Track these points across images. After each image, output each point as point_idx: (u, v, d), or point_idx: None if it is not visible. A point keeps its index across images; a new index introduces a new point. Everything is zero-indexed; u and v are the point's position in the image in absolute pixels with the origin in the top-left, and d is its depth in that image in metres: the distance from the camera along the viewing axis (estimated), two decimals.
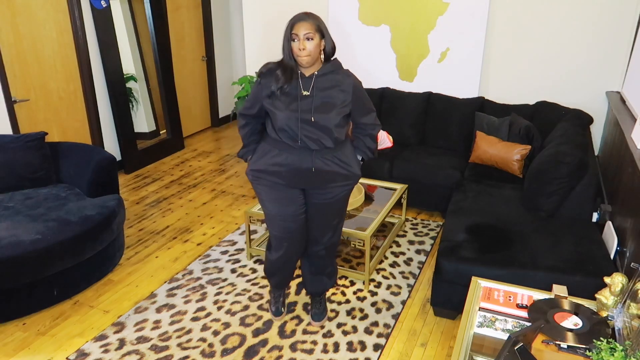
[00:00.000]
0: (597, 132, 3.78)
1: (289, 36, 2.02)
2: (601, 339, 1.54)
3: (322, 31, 2.04)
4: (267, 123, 2.21)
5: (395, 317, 2.64)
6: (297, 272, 2.89)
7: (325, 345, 2.43)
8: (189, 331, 2.52)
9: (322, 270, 2.50)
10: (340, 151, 2.17)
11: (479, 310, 1.88)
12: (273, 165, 2.16)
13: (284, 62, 2.08)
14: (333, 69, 2.12)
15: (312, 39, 2.00)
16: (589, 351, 1.57)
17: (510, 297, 1.94)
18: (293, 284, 2.89)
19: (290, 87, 2.07)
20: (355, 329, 2.54)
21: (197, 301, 2.76)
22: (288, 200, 2.23)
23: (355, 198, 3.10)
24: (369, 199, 3.33)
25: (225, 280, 2.96)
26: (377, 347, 2.41)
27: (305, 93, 2.07)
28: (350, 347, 2.41)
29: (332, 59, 2.15)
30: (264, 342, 2.44)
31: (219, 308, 2.70)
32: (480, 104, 3.93)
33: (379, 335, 2.50)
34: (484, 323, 1.81)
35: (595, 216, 2.84)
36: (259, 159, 2.20)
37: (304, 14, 2.03)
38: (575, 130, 3.09)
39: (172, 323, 2.58)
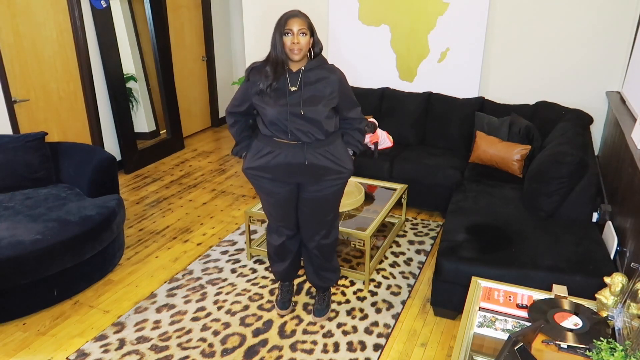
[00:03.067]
0: (597, 132, 3.78)
1: (282, 31, 2.07)
2: (601, 339, 1.54)
3: (312, 29, 2.12)
4: (258, 120, 2.26)
5: (395, 317, 2.64)
6: (300, 271, 2.88)
7: (325, 345, 2.43)
8: (189, 331, 2.52)
9: (322, 267, 2.53)
10: (332, 145, 2.22)
11: (479, 310, 1.88)
12: (266, 162, 2.21)
13: (272, 59, 2.12)
14: (319, 63, 2.18)
15: (305, 34, 2.07)
16: (589, 351, 1.57)
17: (510, 297, 1.94)
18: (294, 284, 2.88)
19: (278, 84, 2.12)
20: (355, 329, 2.54)
21: (197, 301, 2.76)
22: (283, 195, 2.30)
23: (355, 198, 3.10)
24: (369, 199, 3.33)
25: (225, 280, 2.96)
26: (377, 347, 2.41)
27: (293, 88, 2.12)
28: (350, 347, 2.41)
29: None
30: (264, 342, 2.44)
31: (219, 308, 2.70)
32: (480, 104, 3.93)
33: (379, 335, 2.50)
34: (484, 323, 1.80)
35: (595, 216, 2.84)
36: (253, 157, 2.25)
37: (297, 11, 2.10)
38: (575, 130, 3.09)
39: (172, 323, 2.58)
